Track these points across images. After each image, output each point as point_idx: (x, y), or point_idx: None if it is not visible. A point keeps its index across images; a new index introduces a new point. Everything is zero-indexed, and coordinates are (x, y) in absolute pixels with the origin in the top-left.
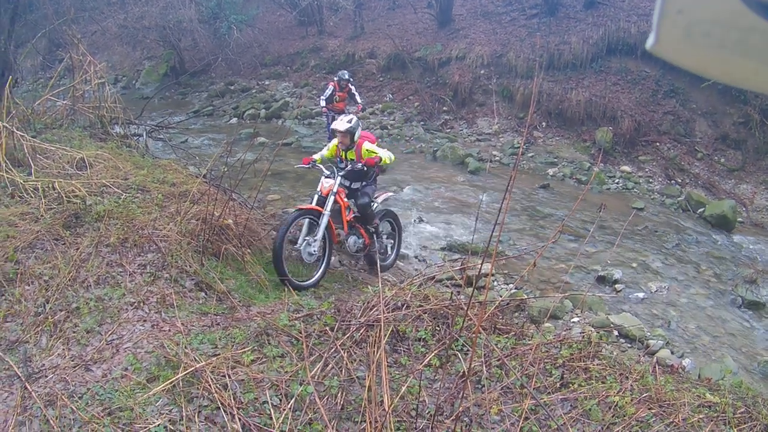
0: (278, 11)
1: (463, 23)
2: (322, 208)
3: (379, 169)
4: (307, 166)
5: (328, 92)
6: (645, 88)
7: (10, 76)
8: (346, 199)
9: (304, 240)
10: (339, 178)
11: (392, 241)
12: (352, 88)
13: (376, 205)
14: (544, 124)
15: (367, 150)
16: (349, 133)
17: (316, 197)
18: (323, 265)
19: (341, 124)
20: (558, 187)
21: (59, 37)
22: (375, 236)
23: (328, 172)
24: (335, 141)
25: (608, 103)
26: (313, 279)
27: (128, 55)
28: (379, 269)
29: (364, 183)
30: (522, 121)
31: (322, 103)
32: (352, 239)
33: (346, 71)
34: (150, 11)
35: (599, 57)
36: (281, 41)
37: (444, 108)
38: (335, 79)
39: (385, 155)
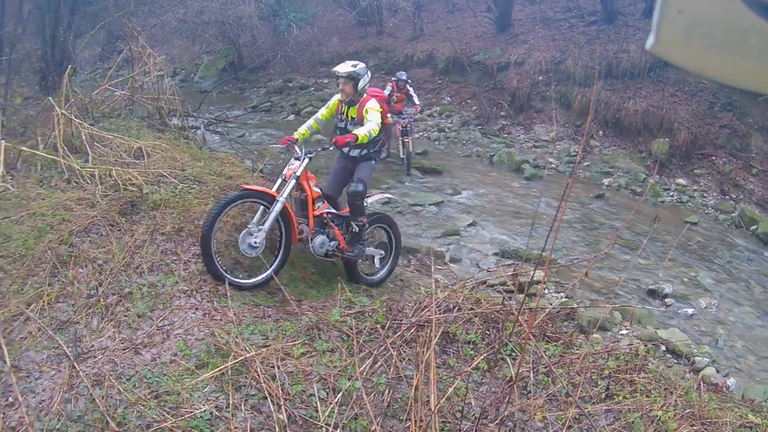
0: (338, 10)
1: (522, 28)
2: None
3: (385, 136)
4: (284, 146)
5: (386, 93)
6: (702, 100)
7: (69, 66)
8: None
9: (247, 229)
10: (306, 159)
11: (382, 253)
12: (410, 89)
13: (369, 201)
14: (600, 132)
15: (368, 110)
16: (352, 79)
17: (278, 181)
18: (275, 262)
19: (344, 66)
20: (613, 198)
21: (118, 29)
22: (357, 240)
23: (299, 154)
24: (337, 96)
25: (665, 114)
26: (258, 278)
27: (187, 49)
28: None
29: (364, 152)
30: (579, 129)
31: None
32: (319, 239)
33: (404, 72)
34: (210, 6)
35: (657, 66)
36: (340, 40)
37: (501, 113)
38: (393, 79)
39: (364, 131)
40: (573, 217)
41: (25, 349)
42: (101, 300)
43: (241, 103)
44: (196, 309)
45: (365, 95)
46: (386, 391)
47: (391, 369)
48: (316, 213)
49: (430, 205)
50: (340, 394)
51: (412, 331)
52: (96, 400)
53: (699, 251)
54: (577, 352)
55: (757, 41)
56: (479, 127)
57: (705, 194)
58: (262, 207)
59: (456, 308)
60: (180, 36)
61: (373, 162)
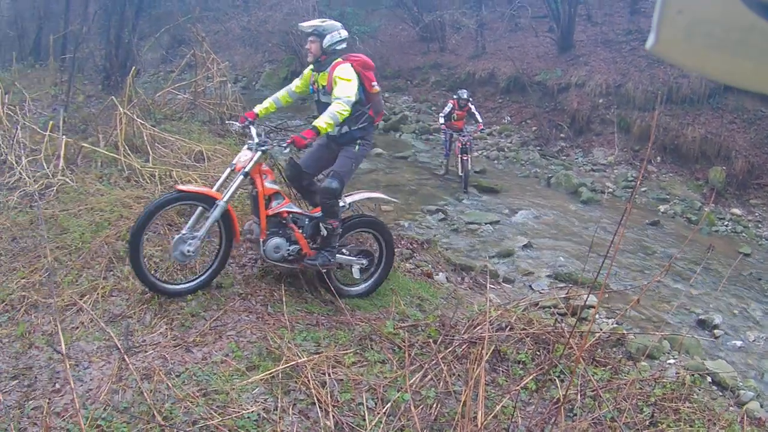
0: (400, 25)
1: (584, 50)
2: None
3: (376, 112)
4: (240, 126)
5: (447, 110)
6: (760, 128)
7: (133, 67)
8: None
9: (180, 234)
10: (259, 153)
11: (363, 263)
12: (472, 107)
13: (348, 201)
14: (658, 158)
15: (337, 79)
16: (318, 36)
17: (226, 172)
18: (210, 269)
19: (309, 21)
20: (667, 225)
21: (182, 34)
22: (326, 245)
23: (255, 141)
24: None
25: (723, 141)
26: (190, 284)
27: (249, 56)
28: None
29: (344, 129)
30: (636, 154)
31: (441, 120)
32: (273, 242)
33: (465, 90)
34: (273, 16)
35: (716, 93)
36: (402, 55)
37: (561, 134)
38: (455, 97)
39: (327, 118)
40: (627, 242)
41: (76, 339)
42: (155, 297)
43: (302, 112)
44: (250, 312)
45: (336, 60)
46: (434, 405)
47: (441, 383)
48: (270, 212)
49: (486, 223)
50: (389, 404)
51: (463, 347)
52: (144, 393)
53: (751, 283)
54: (625, 378)
55: (757, 41)
56: (538, 148)
57: (760, 225)
58: (200, 209)
59: (508, 327)
60: (243, 44)
61: (358, 147)
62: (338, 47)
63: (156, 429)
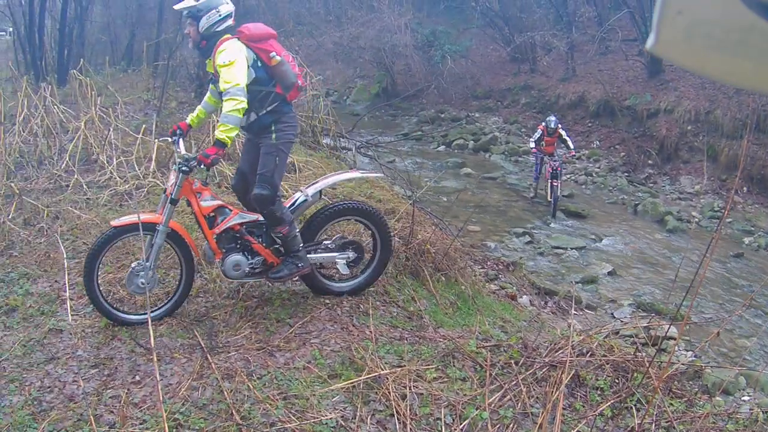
0: (491, 45)
1: (673, 74)
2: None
3: (285, 87)
4: (170, 139)
5: (536, 135)
6: None
7: None
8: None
9: (131, 269)
10: (180, 175)
11: (349, 256)
12: (563, 132)
13: (311, 192)
14: (745, 189)
15: (220, 67)
16: (194, 18)
17: (162, 197)
18: (174, 297)
19: (181, 3)
20: (752, 257)
21: None
22: (290, 250)
23: (181, 160)
24: None
25: None
26: (155, 313)
27: (341, 71)
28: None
29: (253, 118)
30: (724, 183)
31: (531, 144)
32: (231, 260)
33: (554, 117)
34: (366, 33)
35: None
36: (493, 75)
37: (649, 161)
38: (543, 123)
39: (221, 124)
40: (709, 274)
41: (160, 335)
42: (241, 299)
43: (392, 129)
44: (335, 322)
45: (224, 37)
46: (511, 425)
47: (519, 404)
48: (218, 230)
49: (571, 249)
50: (466, 421)
51: (544, 370)
52: (224, 392)
53: None
54: (699, 411)
55: (757, 41)
56: (626, 174)
57: None
58: (148, 237)
59: (589, 353)
60: (335, 58)
61: (275, 135)
62: (219, 28)
63: (233, 427)
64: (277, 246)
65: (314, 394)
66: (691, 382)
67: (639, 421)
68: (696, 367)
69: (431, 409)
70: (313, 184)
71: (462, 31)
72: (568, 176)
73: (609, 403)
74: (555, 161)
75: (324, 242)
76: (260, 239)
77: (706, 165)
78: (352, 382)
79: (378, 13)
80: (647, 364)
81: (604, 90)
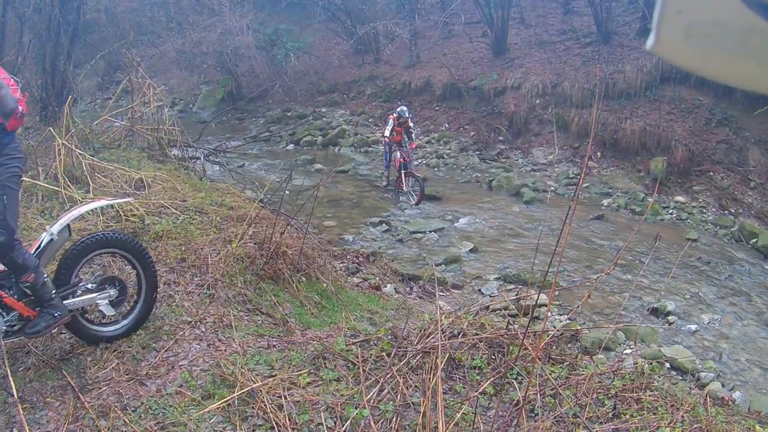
0: (334, 39)
1: (518, 52)
2: None
3: (9, 119)
4: None
5: (390, 125)
6: (698, 116)
7: (70, 96)
8: None
9: None
10: None
11: (112, 294)
12: (411, 125)
13: (56, 230)
14: (598, 154)
15: None
16: None
17: None
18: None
19: None
20: (612, 218)
21: (117, 59)
22: (42, 300)
23: None
24: None
25: (662, 132)
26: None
27: (185, 79)
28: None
29: None
30: (577, 151)
31: (387, 133)
32: None
33: (405, 108)
34: (208, 37)
35: (653, 85)
36: (338, 69)
37: (499, 138)
38: (395, 114)
39: None
40: (573, 239)
41: (29, 380)
42: None
43: (240, 133)
44: (201, 340)
45: None
46: (394, 419)
47: (398, 396)
48: None
49: (430, 231)
50: (348, 422)
51: (417, 358)
52: None
53: (700, 267)
54: (583, 373)
55: (757, 41)
56: (477, 152)
57: (704, 210)
58: None
59: (461, 334)
60: (178, 66)
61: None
62: None
63: None
64: (30, 297)
65: (191, 419)
66: (570, 346)
67: (523, 394)
68: (572, 331)
69: (311, 415)
70: (58, 221)
71: (304, 28)
72: (420, 160)
73: (489, 381)
74: (405, 151)
75: (80, 284)
76: (11, 291)
77: (557, 135)
78: (226, 401)
79: (219, 16)
80: (521, 336)
81: (450, 73)
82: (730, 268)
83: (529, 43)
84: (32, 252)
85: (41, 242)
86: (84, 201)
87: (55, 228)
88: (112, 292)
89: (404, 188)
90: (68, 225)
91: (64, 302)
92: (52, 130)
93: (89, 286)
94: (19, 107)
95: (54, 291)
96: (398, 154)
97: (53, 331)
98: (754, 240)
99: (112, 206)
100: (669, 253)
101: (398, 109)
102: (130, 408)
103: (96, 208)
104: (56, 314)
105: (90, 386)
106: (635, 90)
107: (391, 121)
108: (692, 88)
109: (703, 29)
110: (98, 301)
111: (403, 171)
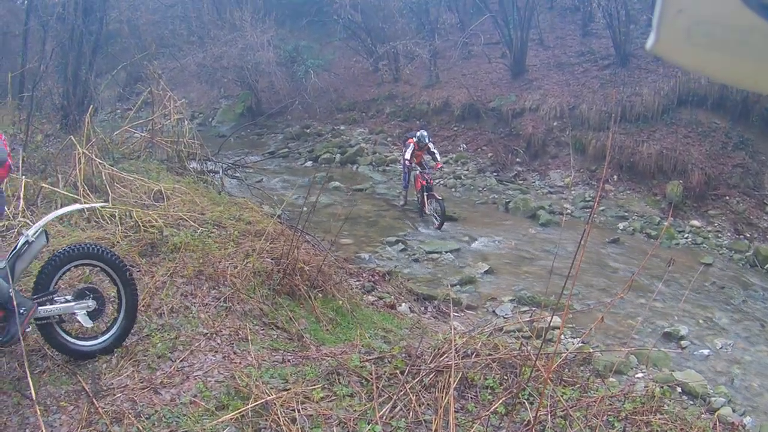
0: (354, 57)
1: (537, 74)
2: None
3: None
4: None
5: (410, 149)
6: (715, 140)
7: (91, 105)
8: None
9: None
10: None
11: (90, 305)
12: (431, 146)
13: (23, 240)
14: (615, 177)
15: None
16: None
17: None
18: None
19: None
20: (628, 242)
21: (138, 71)
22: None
23: None
24: None
25: (679, 155)
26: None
27: (205, 93)
28: None
29: None
30: (593, 174)
31: (407, 156)
32: None
33: (426, 133)
34: (229, 52)
35: (670, 109)
36: (357, 87)
37: (517, 159)
38: (415, 139)
39: None
40: (588, 262)
41: (44, 384)
42: None
43: (258, 148)
44: (216, 351)
45: None
46: None
47: (411, 414)
48: None
49: (446, 252)
50: None
51: (431, 376)
52: None
53: (714, 292)
54: (594, 395)
55: (757, 41)
56: (495, 174)
57: (719, 234)
58: None
59: (474, 354)
60: (199, 80)
61: None
62: None
63: None
64: None
65: (204, 429)
66: (582, 368)
67: (534, 414)
68: (584, 353)
69: (323, 429)
70: (35, 225)
71: (325, 45)
72: (437, 181)
73: (501, 401)
74: (427, 173)
75: (59, 292)
76: None
77: (574, 158)
78: (239, 412)
79: (240, 31)
80: (534, 357)
81: (469, 94)
82: (744, 293)
83: (547, 64)
84: (8, 255)
85: (17, 246)
86: (64, 207)
87: (31, 231)
88: (90, 302)
89: (426, 211)
90: (44, 230)
91: (41, 308)
92: (72, 138)
93: (67, 295)
94: (8, 159)
95: (11, 288)
96: (418, 174)
97: (28, 329)
98: None
99: (93, 209)
100: (683, 278)
101: (418, 134)
102: (144, 415)
103: (72, 211)
104: (22, 311)
105: (104, 392)
106: (652, 113)
107: (411, 145)
108: (709, 111)
109: (703, 29)
110: (76, 311)
111: (425, 193)
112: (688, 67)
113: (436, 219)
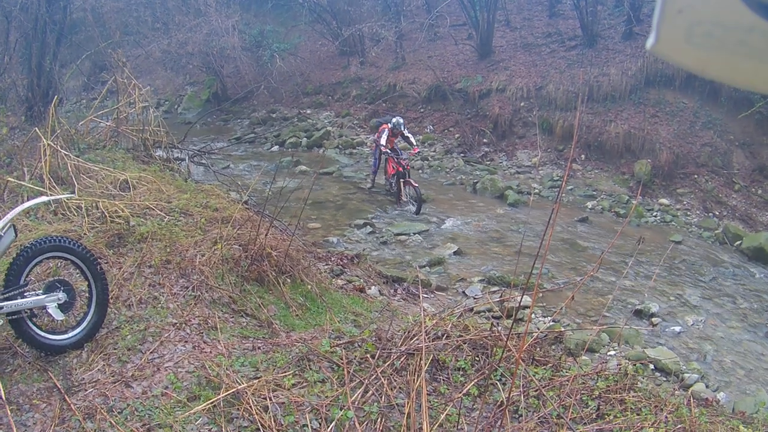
0: (320, 40)
1: (503, 55)
2: None
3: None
4: None
5: (384, 135)
6: (683, 119)
7: (56, 96)
8: None
9: None
10: None
11: (60, 298)
12: (405, 131)
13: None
14: (583, 156)
15: None
16: None
17: None
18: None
19: None
20: (596, 221)
21: (103, 60)
22: None
23: None
24: None
25: (647, 135)
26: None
27: (171, 80)
28: None
29: None
30: (561, 154)
31: (383, 142)
32: None
33: (401, 120)
34: (194, 38)
35: (638, 88)
36: (323, 70)
37: (484, 140)
38: (390, 125)
39: None
40: (557, 241)
41: (16, 382)
42: None
43: (225, 134)
44: (186, 342)
45: None
46: (378, 420)
47: (383, 398)
48: None
49: (414, 233)
50: (333, 423)
51: (402, 359)
52: None
53: (684, 269)
54: (567, 374)
55: (757, 41)
56: (462, 154)
57: (688, 213)
58: None
59: (445, 336)
60: (164, 67)
61: None
62: None
63: None
64: None
65: (177, 421)
66: (553, 347)
67: (507, 395)
68: (555, 332)
69: (296, 417)
70: (1, 218)
71: (290, 29)
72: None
73: (473, 382)
74: (404, 159)
75: (29, 286)
76: None
77: (541, 138)
78: (211, 402)
79: (205, 16)
80: (505, 338)
81: (435, 75)
82: (714, 270)
83: (514, 45)
84: None
85: None
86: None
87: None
88: (61, 294)
89: (403, 197)
90: (12, 224)
91: (12, 302)
92: (37, 130)
93: (37, 288)
94: None
95: None
96: (390, 158)
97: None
98: (739, 242)
99: (60, 201)
100: (653, 256)
101: (394, 120)
102: (116, 410)
103: (38, 203)
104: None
105: (76, 388)
106: (620, 93)
107: (386, 131)
108: (677, 91)
109: (704, 29)
110: (47, 303)
111: (401, 180)
112: (689, 68)
113: (413, 204)
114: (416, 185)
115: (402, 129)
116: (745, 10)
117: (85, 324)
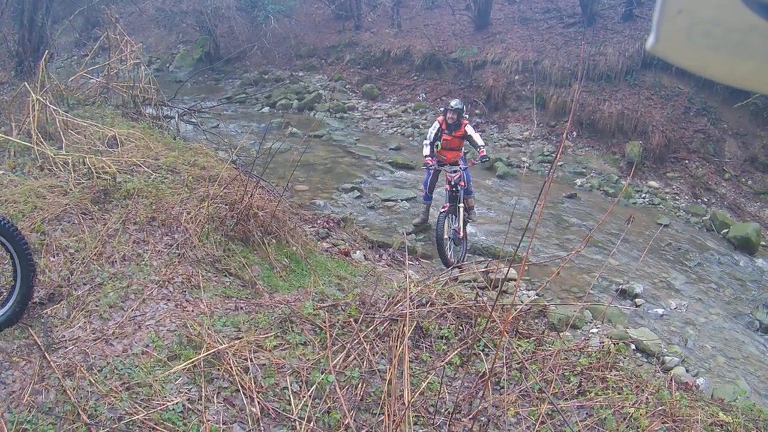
0: (316, 3)
1: (500, 27)
2: None
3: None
4: None
5: (433, 131)
6: (677, 104)
7: (47, 51)
8: None
9: None
10: None
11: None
12: (468, 127)
13: None
14: (575, 133)
15: None
16: None
17: None
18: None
19: None
20: (585, 198)
21: (96, 16)
22: None
23: None
24: None
25: (640, 117)
26: None
27: (163, 38)
28: None
29: None
30: (553, 129)
31: (426, 151)
32: None
33: (460, 102)
34: None
35: (634, 70)
36: (317, 34)
37: (476, 111)
38: (442, 116)
39: None
40: (545, 215)
41: None
42: (72, 290)
43: (215, 93)
44: (168, 300)
45: None
46: (359, 385)
47: (365, 363)
48: None
49: (402, 200)
50: (314, 387)
51: (385, 325)
52: (67, 392)
53: (670, 253)
54: (549, 349)
55: (757, 41)
56: None
57: (677, 197)
58: None
59: (429, 303)
60: (157, 25)
61: None
62: None
63: (82, 428)
64: None
65: (156, 380)
66: (537, 321)
67: (489, 366)
68: (540, 306)
69: (276, 379)
70: None
71: None
72: (395, 129)
73: (456, 351)
74: (455, 172)
75: None
76: None
77: (534, 112)
78: (192, 362)
79: None
80: (490, 309)
81: (430, 44)
82: (700, 256)
83: (512, 19)
84: None
85: None
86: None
87: None
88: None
89: (445, 235)
90: None
91: None
92: (27, 85)
93: None
94: None
95: None
96: (447, 174)
97: None
98: (725, 230)
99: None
100: (640, 237)
101: (452, 104)
102: (96, 368)
103: None
104: None
105: (56, 345)
106: (615, 73)
107: (437, 123)
108: (673, 76)
109: (703, 29)
110: None
111: (447, 204)
112: (689, 68)
113: (453, 243)
114: (469, 215)
115: (463, 115)
116: (745, 11)
117: (13, 299)
